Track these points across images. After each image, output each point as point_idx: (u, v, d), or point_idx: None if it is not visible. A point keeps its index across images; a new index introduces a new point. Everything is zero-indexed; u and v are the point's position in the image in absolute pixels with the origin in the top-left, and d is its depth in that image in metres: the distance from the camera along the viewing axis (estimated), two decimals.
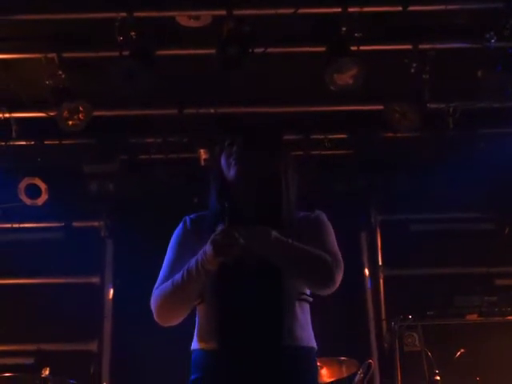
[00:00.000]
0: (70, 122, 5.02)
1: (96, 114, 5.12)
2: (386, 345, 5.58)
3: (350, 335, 5.84)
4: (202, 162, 5.71)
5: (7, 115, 5.31)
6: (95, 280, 6.30)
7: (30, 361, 5.94)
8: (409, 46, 4.73)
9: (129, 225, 6.19)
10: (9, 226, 6.23)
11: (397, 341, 5.14)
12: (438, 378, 4.69)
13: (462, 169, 5.63)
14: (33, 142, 5.64)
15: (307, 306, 2.41)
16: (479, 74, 4.69)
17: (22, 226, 6.26)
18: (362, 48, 4.62)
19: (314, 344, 2.39)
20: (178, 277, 2.30)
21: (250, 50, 4.46)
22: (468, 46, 4.71)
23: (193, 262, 2.28)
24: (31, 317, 6.06)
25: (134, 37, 4.48)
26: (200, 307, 2.38)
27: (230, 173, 2.39)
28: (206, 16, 4.44)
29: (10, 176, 5.81)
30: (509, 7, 4.36)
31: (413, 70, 4.77)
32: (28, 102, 5.20)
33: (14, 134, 5.37)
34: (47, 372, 4.35)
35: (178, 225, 2.50)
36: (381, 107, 5.26)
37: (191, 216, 2.50)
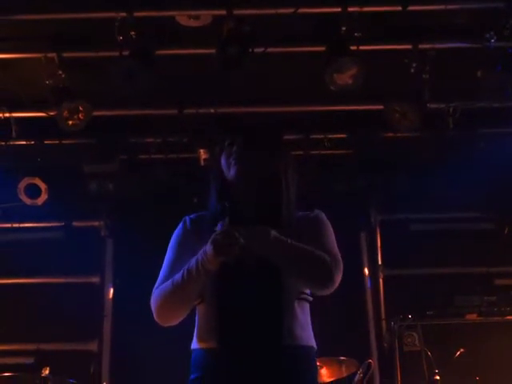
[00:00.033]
0: (70, 122, 5.02)
1: (96, 113, 5.12)
2: (385, 344, 5.58)
3: (350, 335, 5.84)
4: (202, 162, 5.71)
5: (7, 115, 5.31)
6: (95, 280, 6.30)
7: (30, 360, 5.94)
8: (409, 46, 4.72)
9: (129, 224, 6.19)
10: (9, 225, 6.24)
11: (396, 340, 5.14)
12: (438, 377, 4.70)
13: (462, 169, 5.63)
14: (33, 142, 5.64)
15: (307, 306, 2.41)
16: (479, 73, 4.69)
17: (21, 225, 6.27)
18: (361, 48, 4.62)
19: (313, 343, 2.39)
20: (177, 276, 2.30)
21: (250, 50, 4.46)
22: (468, 45, 4.71)
23: (193, 261, 2.28)
24: (31, 316, 6.06)
25: (133, 37, 4.48)
26: (200, 307, 2.38)
27: (230, 173, 2.39)
28: (205, 16, 4.44)
29: (10, 176, 5.81)
30: (509, 7, 4.36)
31: (413, 70, 4.76)
32: (28, 101, 5.20)
33: (13, 133, 5.37)
34: (47, 371, 4.35)
35: (177, 225, 2.50)
36: (381, 107, 5.26)
37: (191, 216, 2.50)
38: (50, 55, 4.72)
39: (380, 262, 6.36)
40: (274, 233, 2.27)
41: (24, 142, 5.60)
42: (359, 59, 4.60)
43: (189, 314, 2.39)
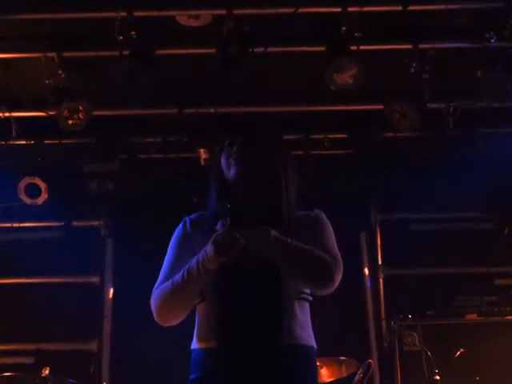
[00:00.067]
0: (70, 122, 5.01)
1: (96, 113, 5.12)
2: (385, 344, 5.58)
3: (350, 335, 5.83)
4: (202, 162, 5.71)
5: (7, 114, 5.30)
6: (95, 279, 6.30)
7: (29, 360, 5.94)
8: (409, 46, 4.72)
9: (129, 224, 6.19)
10: (9, 225, 6.23)
11: (396, 340, 5.14)
12: (438, 377, 4.70)
13: (461, 169, 5.63)
14: (33, 142, 5.64)
15: (307, 306, 2.41)
16: (479, 73, 4.68)
17: (21, 225, 6.26)
18: (361, 48, 4.62)
19: (313, 343, 2.39)
20: (178, 277, 2.30)
21: (250, 50, 4.46)
22: (468, 45, 4.71)
23: (193, 261, 2.28)
24: (31, 316, 6.06)
25: (134, 36, 4.48)
26: (200, 307, 2.38)
27: (230, 173, 2.39)
28: (205, 15, 4.44)
29: (10, 175, 5.81)
30: (509, 7, 4.36)
31: (413, 70, 4.76)
32: (28, 101, 5.20)
33: (13, 133, 5.37)
34: (47, 371, 4.35)
35: (177, 224, 2.50)
36: (381, 107, 5.25)
37: (191, 216, 2.50)
38: (49, 55, 4.72)
39: (380, 262, 6.36)
40: (274, 232, 2.27)
41: (24, 142, 5.60)
42: (359, 59, 4.60)
43: (189, 313, 2.40)
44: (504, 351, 5.12)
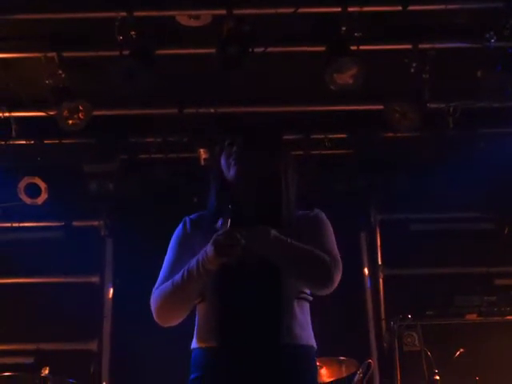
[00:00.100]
0: (70, 122, 5.01)
1: (96, 113, 5.12)
2: (385, 344, 5.58)
3: (350, 335, 5.83)
4: (202, 162, 5.71)
5: (7, 114, 5.30)
6: (95, 279, 6.30)
7: (29, 360, 5.94)
8: (409, 46, 4.72)
9: (129, 224, 6.19)
10: (8, 225, 6.23)
11: (396, 340, 5.14)
12: (438, 377, 4.70)
13: (461, 169, 5.63)
14: (33, 142, 5.64)
15: (307, 305, 2.41)
16: (479, 73, 4.68)
17: (21, 225, 6.26)
18: (361, 48, 4.62)
19: (313, 343, 2.39)
20: (178, 277, 2.30)
21: (250, 50, 4.46)
22: (468, 45, 4.71)
23: (193, 262, 2.28)
24: (31, 316, 6.06)
25: (133, 36, 4.47)
26: (200, 306, 2.38)
27: (230, 173, 2.39)
28: (206, 15, 4.44)
29: (10, 175, 5.81)
30: (509, 7, 4.36)
31: (413, 70, 4.76)
32: (28, 101, 5.20)
33: (13, 133, 5.37)
34: (47, 371, 4.35)
35: (177, 224, 2.50)
36: (381, 107, 5.25)
37: (191, 216, 2.50)
38: (49, 55, 4.72)
39: (380, 262, 6.36)
40: (274, 232, 2.27)
41: (24, 142, 5.60)
42: (359, 59, 4.60)
43: (189, 313, 2.40)
44: (504, 351, 5.12)
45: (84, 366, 5.94)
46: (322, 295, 2.37)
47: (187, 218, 2.49)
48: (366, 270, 6.37)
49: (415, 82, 4.89)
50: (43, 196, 5.80)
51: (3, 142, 5.56)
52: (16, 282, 6.24)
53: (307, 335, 2.36)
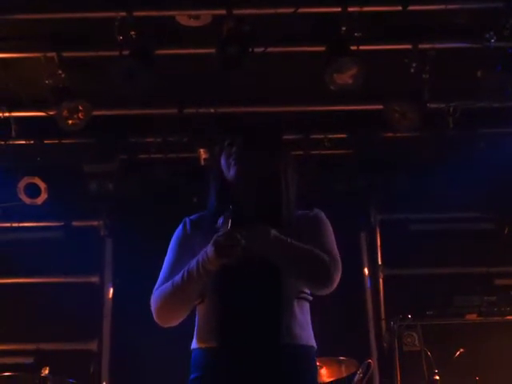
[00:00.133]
0: (70, 122, 5.01)
1: (96, 113, 5.12)
2: (385, 344, 5.58)
3: (350, 335, 5.83)
4: (202, 162, 5.71)
5: (7, 114, 5.30)
6: (95, 279, 6.30)
7: (29, 360, 5.94)
8: (409, 46, 4.72)
9: (128, 224, 6.19)
10: (8, 225, 6.23)
11: (396, 340, 5.13)
12: (438, 377, 4.69)
13: (461, 169, 5.62)
14: (32, 142, 5.64)
15: (307, 305, 2.41)
16: (479, 73, 4.68)
17: (21, 225, 6.27)
18: (361, 48, 4.62)
19: (313, 343, 2.39)
20: (178, 277, 2.30)
21: (250, 50, 4.46)
22: (468, 45, 4.71)
23: (193, 262, 2.28)
24: (31, 316, 6.06)
25: (133, 36, 4.47)
26: (200, 306, 2.38)
27: (230, 173, 2.39)
28: (205, 15, 4.44)
29: (10, 175, 5.81)
30: (509, 7, 4.36)
31: (413, 70, 4.76)
32: (28, 101, 5.20)
33: (13, 133, 5.36)
34: (47, 371, 4.34)
35: (177, 224, 2.50)
36: (380, 107, 5.25)
37: (191, 217, 2.50)
38: (49, 55, 4.72)
39: (380, 262, 6.36)
40: (274, 232, 2.27)
41: (24, 142, 5.60)
42: (359, 59, 4.60)
43: (189, 314, 2.40)
44: (504, 351, 5.11)
45: (84, 366, 5.94)
46: (321, 295, 2.37)
47: (187, 219, 2.49)
48: (365, 270, 6.37)
49: (415, 82, 4.89)
50: (43, 196, 5.80)
51: (3, 142, 5.56)
52: (16, 282, 6.24)
53: (307, 335, 2.36)
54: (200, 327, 2.38)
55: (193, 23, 4.45)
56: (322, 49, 4.64)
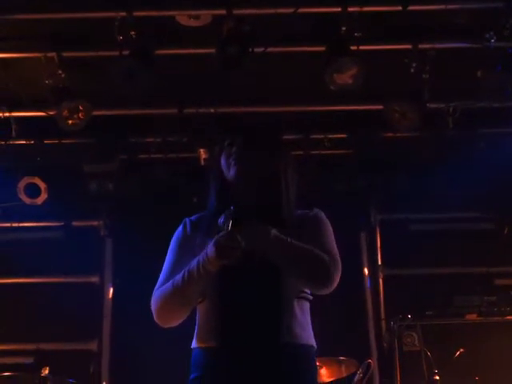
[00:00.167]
0: (70, 122, 5.01)
1: (96, 113, 5.12)
2: (385, 344, 5.58)
3: (350, 335, 5.83)
4: (202, 162, 5.71)
5: (7, 114, 5.30)
6: (95, 279, 6.30)
7: (29, 360, 5.94)
8: (409, 46, 4.72)
9: (128, 224, 6.19)
10: (8, 225, 6.23)
11: (396, 340, 5.14)
12: (437, 377, 4.69)
13: (462, 169, 5.62)
14: (32, 142, 5.64)
15: (307, 305, 2.41)
16: (479, 73, 4.68)
17: (21, 225, 6.26)
18: (361, 48, 4.62)
19: (313, 343, 2.39)
20: (178, 278, 2.30)
21: (250, 50, 4.46)
22: (468, 45, 4.71)
23: (194, 263, 2.28)
24: (31, 316, 6.06)
25: (133, 36, 4.47)
26: (200, 306, 2.38)
27: (230, 173, 2.39)
28: (205, 15, 4.44)
29: (10, 175, 5.81)
30: (509, 7, 4.36)
31: (413, 70, 4.76)
32: (28, 101, 5.20)
33: (13, 133, 5.37)
34: (47, 371, 4.34)
35: (177, 224, 2.50)
36: (380, 107, 5.25)
37: (191, 218, 2.50)
38: (49, 55, 4.72)
39: (380, 262, 6.36)
40: (274, 232, 2.27)
41: (24, 142, 5.60)
42: (359, 59, 4.60)
43: (189, 314, 2.39)
44: (504, 351, 5.12)
45: (84, 366, 5.94)
46: (321, 295, 2.37)
47: (187, 220, 2.49)
48: (365, 270, 6.37)
49: (415, 81, 4.89)
50: (43, 196, 5.80)
51: (3, 142, 5.56)
52: (16, 281, 6.24)
53: (307, 335, 2.36)
54: (200, 327, 2.38)
55: (193, 23, 4.45)
56: (322, 49, 4.64)
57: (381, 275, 6.30)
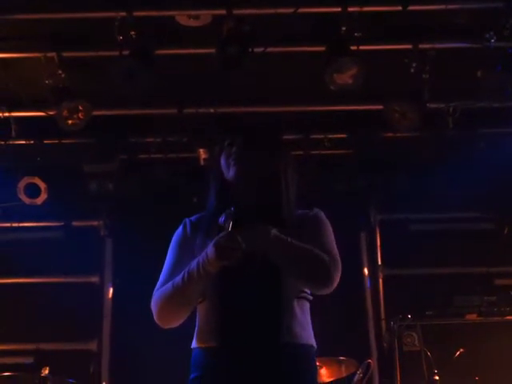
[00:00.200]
0: (70, 122, 5.01)
1: (96, 113, 5.12)
2: (385, 344, 5.58)
3: (350, 335, 5.83)
4: (202, 162, 5.71)
5: (7, 114, 5.30)
6: (95, 279, 6.30)
7: (29, 360, 5.94)
8: (409, 46, 4.72)
9: (128, 224, 6.19)
10: (8, 225, 6.24)
11: (396, 340, 5.13)
12: (437, 377, 4.69)
13: (462, 169, 5.63)
14: (32, 142, 5.64)
15: (307, 305, 2.41)
16: (479, 73, 4.69)
17: (21, 225, 6.27)
18: (361, 48, 4.62)
19: (313, 343, 2.39)
20: (178, 279, 2.30)
21: (250, 50, 4.46)
22: (468, 45, 4.71)
23: (194, 263, 2.28)
24: (31, 316, 6.06)
25: (133, 36, 4.48)
26: (201, 306, 2.38)
27: (230, 173, 2.39)
28: (205, 15, 4.44)
29: (10, 175, 5.81)
30: (509, 7, 4.36)
31: (413, 70, 4.76)
32: (28, 101, 5.20)
33: (13, 133, 5.37)
34: (47, 371, 4.34)
35: (177, 224, 2.50)
36: (380, 107, 5.25)
37: (191, 218, 2.50)
38: (49, 55, 4.72)
39: (380, 262, 6.36)
40: (274, 232, 2.27)
41: (24, 142, 5.60)
42: (359, 59, 4.60)
43: (189, 314, 2.39)
44: (504, 351, 5.11)
45: (84, 366, 5.94)
46: (321, 295, 2.37)
47: (187, 220, 2.49)
48: (365, 270, 6.37)
49: (415, 81, 4.89)
50: (43, 196, 5.80)
51: (3, 142, 5.56)
52: (16, 281, 6.25)
53: (307, 334, 2.36)
54: (200, 327, 2.38)
55: (193, 23, 4.45)
56: (322, 49, 4.64)
57: (381, 275, 6.30)
